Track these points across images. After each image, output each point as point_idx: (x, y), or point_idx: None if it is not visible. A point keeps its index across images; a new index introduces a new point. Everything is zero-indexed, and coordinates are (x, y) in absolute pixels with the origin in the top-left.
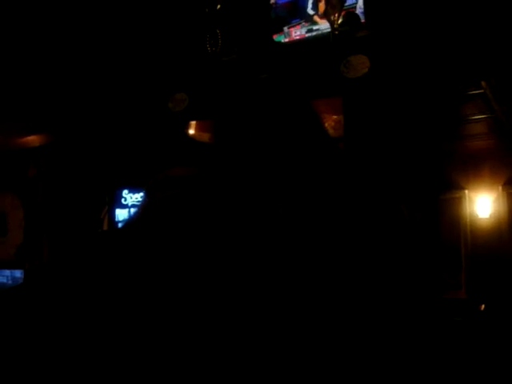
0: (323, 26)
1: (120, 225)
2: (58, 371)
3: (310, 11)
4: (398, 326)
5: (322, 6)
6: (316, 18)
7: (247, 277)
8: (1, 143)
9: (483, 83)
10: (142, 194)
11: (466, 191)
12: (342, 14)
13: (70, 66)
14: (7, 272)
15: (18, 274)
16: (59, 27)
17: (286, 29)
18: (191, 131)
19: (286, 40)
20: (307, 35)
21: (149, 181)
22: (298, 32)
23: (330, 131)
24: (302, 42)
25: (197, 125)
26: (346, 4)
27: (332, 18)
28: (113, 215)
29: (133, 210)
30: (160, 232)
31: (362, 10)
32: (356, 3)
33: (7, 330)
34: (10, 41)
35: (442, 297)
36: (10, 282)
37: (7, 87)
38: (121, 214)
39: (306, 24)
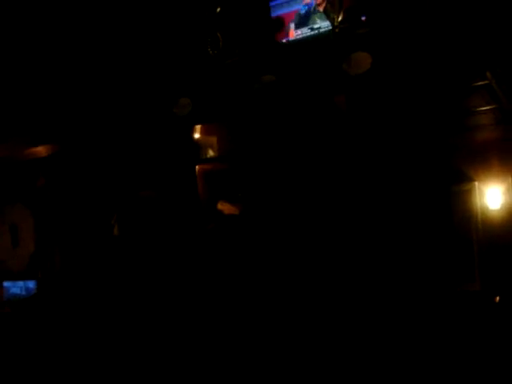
0: (324, 24)
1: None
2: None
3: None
4: (412, 319)
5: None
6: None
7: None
8: (9, 155)
9: (488, 74)
10: None
11: (476, 183)
12: (342, 11)
13: (74, 75)
14: (20, 283)
15: (31, 284)
16: (61, 38)
17: (286, 28)
18: (196, 135)
19: (287, 40)
20: (308, 34)
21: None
22: (298, 31)
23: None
24: (303, 41)
25: (202, 128)
26: None
27: (332, 15)
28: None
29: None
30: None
31: None
32: None
33: (23, 340)
34: (15, 55)
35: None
36: (23, 292)
37: (13, 98)
38: None
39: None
